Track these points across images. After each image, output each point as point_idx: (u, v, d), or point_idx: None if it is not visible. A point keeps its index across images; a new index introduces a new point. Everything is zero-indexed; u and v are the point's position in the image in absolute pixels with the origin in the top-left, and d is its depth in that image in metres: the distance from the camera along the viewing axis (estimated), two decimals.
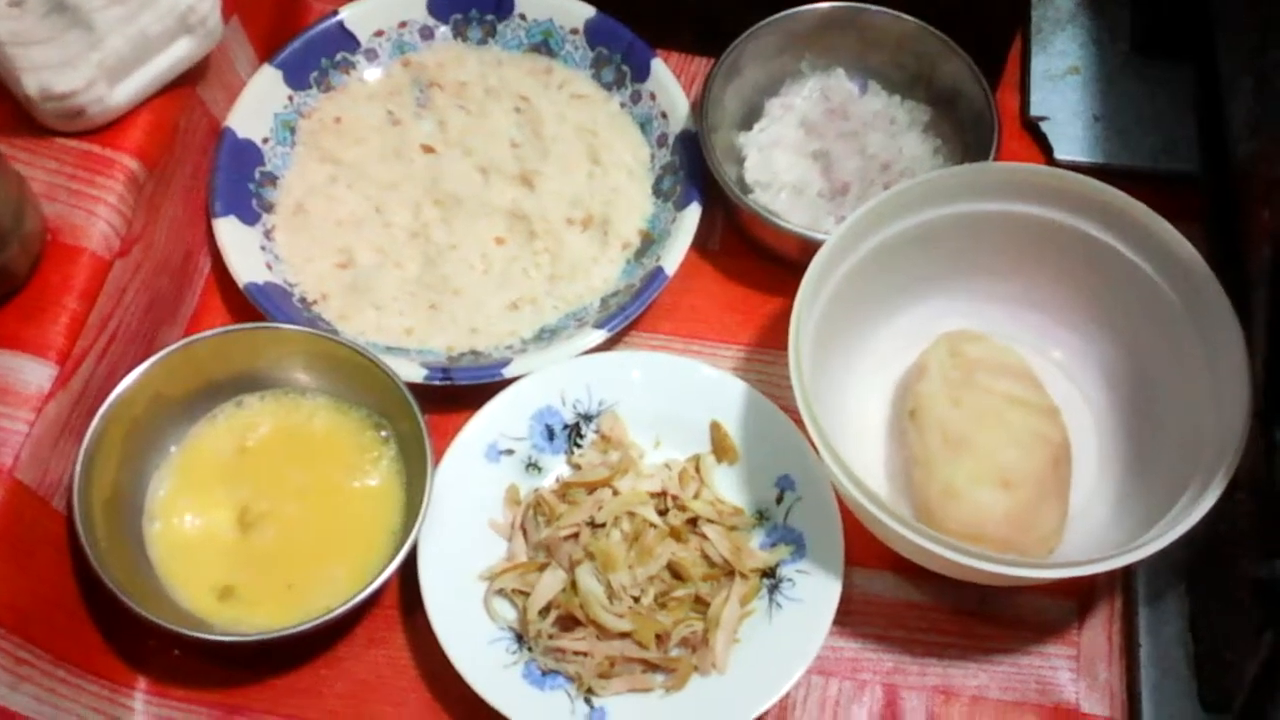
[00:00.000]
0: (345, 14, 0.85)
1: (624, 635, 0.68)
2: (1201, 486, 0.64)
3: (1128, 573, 0.72)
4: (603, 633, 0.68)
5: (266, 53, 0.84)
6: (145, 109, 0.73)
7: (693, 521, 0.71)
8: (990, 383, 0.71)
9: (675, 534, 0.71)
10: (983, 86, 0.79)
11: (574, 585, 0.69)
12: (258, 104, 0.82)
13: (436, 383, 0.74)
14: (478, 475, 0.73)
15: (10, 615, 0.62)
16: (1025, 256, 0.75)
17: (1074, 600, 0.73)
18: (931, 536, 0.63)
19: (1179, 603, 0.71)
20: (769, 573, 0.71)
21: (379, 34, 0.86)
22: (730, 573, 0.70)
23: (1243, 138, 0.70)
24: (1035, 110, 0.86)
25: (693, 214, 0.79)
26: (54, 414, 0.66)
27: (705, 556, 0.71)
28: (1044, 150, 0.85)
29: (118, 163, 0.71)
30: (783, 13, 0.81)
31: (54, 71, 0.69)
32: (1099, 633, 0.72)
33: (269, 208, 0.81)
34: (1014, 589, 0.72)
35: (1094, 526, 0.71)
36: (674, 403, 0.75)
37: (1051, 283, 0.76)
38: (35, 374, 0.65)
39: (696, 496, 0.72)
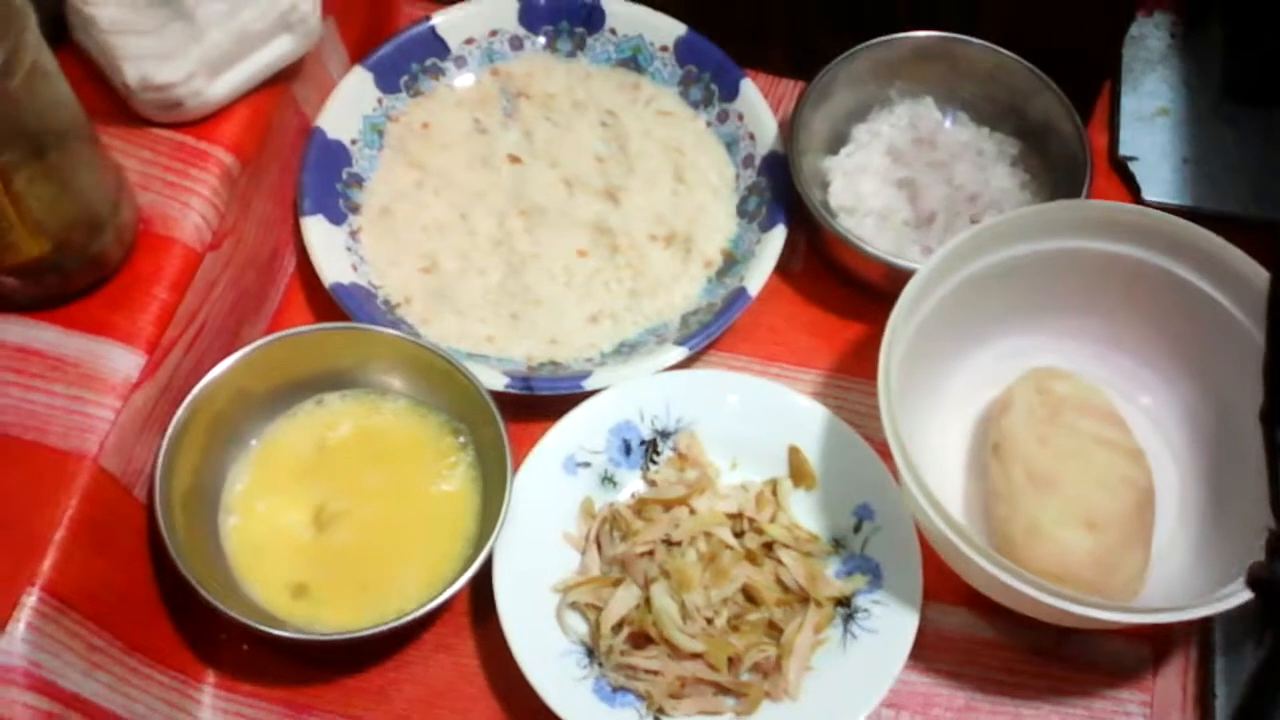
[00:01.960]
0: (438, 20, 0.85)
1: (696, 656, 0.68)
2: None
3: (1205, 622, 0.72)
4: (675, 652, 0.68)
5: (359, 55, 0.84)
6: (241, 104, 0.74)
7: (768, 546, 0.71)
8: (1077, 422, 0.70)
9: (751, 557, 0.70)
10: (1075, 123, 0.79)
11: (648, 603, 0.68)
12: (348, 105, 0.82)
13: (516, 391, 0.73)
14: (554, 486, 0.72)
15: (87, 602, 0.62)
16: (1114, 297, 0.74)
17: (1149, 646, 0.72)
18: (1016, 573, 0.62)
19: (1256, 654, 0.70)
20: (844, 602, 0.70)
21: (469, 42, 0.86)
22: (805, 599, 0.70)
23: None
24: (1124, 150, 0.86)
25: (778, 236, 0.79)
26: (140, 403, 0.66)
27: (780, 582, 0.70)
28: (1131, 191, 0.85)
29: (212, 156, 0.72)
30: (876, 39, 0.81)
31: (155, 62, 0.69)
32: (1174, 681, 0.71)
33: (355, 209, 0.81)
34: (1090, 632, 0.72)
35: (1175, 573, 0.70)
36: (752, 425, 0.75)
37: (1139, 325, 0.75)
38: (124, 362, 0.65)
39: (773, 520, 0.72)
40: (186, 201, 0.70)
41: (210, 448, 0.70)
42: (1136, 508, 0.68)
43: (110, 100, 0.71)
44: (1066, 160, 0.79)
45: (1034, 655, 0.71)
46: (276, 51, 0.74)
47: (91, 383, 0.65)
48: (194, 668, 0.69)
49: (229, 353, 0.70)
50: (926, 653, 0.71)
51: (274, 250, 0.79)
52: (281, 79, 0.76)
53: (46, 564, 0.60)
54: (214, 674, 0.70)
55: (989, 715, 0.70)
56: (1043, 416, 0.70)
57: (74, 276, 0.66)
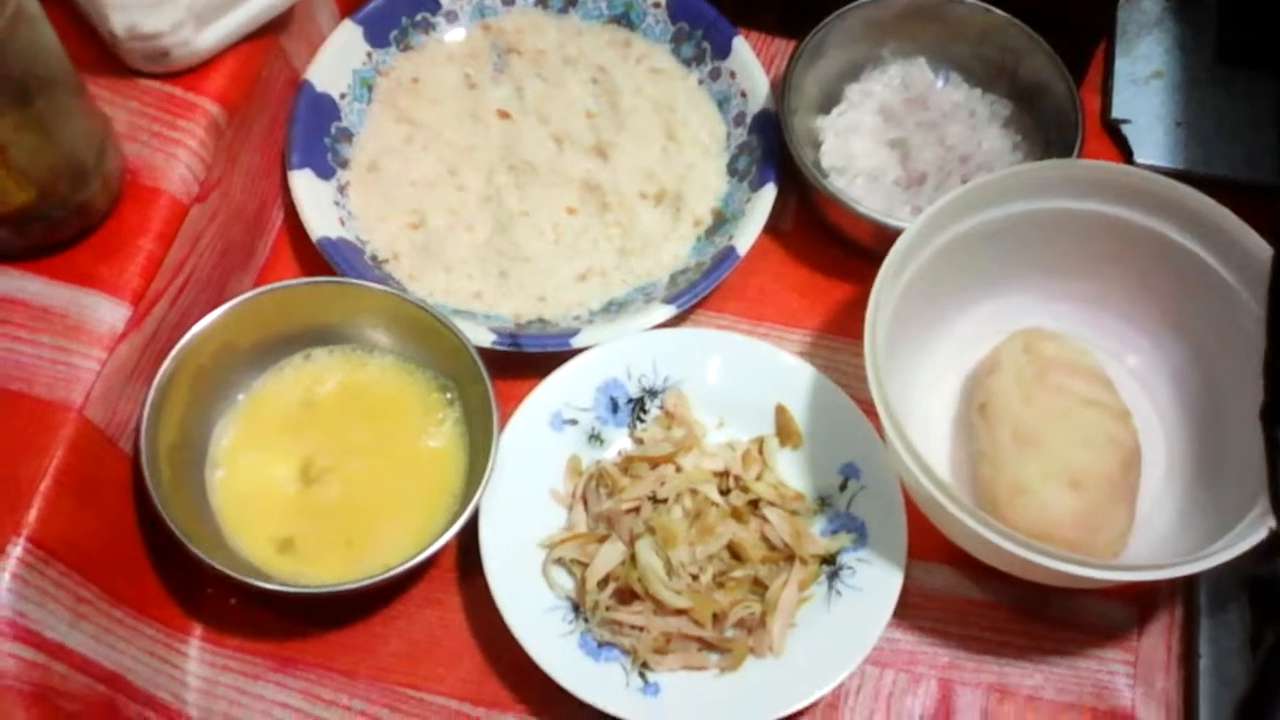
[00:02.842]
0: None
1: (681, 612, 0.68)
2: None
3: (1190, 582, 0.72)
4: (660, 608, 0.68)
5: (349, 8, 0.83)
6: (229, 55, 0.73)
7: (754, 504, 0.71)
8: (1063, 382, 0.70)
9: (736, 514, 0.70)
10: (1068, 84, 0.79)
11: (633, 559, 0.68)
12: (337, 59, 0.81)
13: (504, 348, 0.73)
14: (541, 443, 0.72)
15: (72, 554, 0.62)
16: (1104, 258, 0.74)
17: (1135, 607, 0.72)
18: (1001, 531, 0.62)
19: (1240, 614, 0.71)
20: (829, 560, 0.70)
21: None
22: (790, 557, 0.70)
23: None
24: (1117, 113, 0.85)
25: (768, 195, 0.79)
26: (125, 354, 0.66)
27: (765, 539, 0.70)
28: (1124, 153, 0.84)
29: (200, 107, 0.71)
30: None
31: (143, 11, 0.68)
32: (1158, 641, 0.71)
33: (344, 163, 0.81)
34: (1075, 591, 0.72)
35: (1159, 534, 0.71)
36: (739, 383, 0.75)
37: (1128, 286, 0.75)
38: (110, 313, 0.65)
39: (759, 478, 0.72)
40: (173, 153, 0.70)
41: (196, 401, 0.70)
42: (1122, 467, 0.69)
43: (97, 50, 0.71)
44: (1058, 122, 0.79)
45: (1018, 614, 0.72)
46: (265, 2, 0.73)
47: (77, 334, 0.64)
48: (180, 620, 0.69)
49: (215, 306, 0.70)
50: (911, 611, 0.71)
51: (261, 204, 0.79)
52: (270, 31, 0.76)
53: (31, 515, 0.60)
54: (200, 627, 0.70)
55: (973, 674, 0.70)
56: (1030, 376, 0.70)
57: (60, 226, 0.66)
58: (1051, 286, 0.76)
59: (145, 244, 0.67)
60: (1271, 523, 0.62)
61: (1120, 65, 0.87)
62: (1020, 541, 0.62)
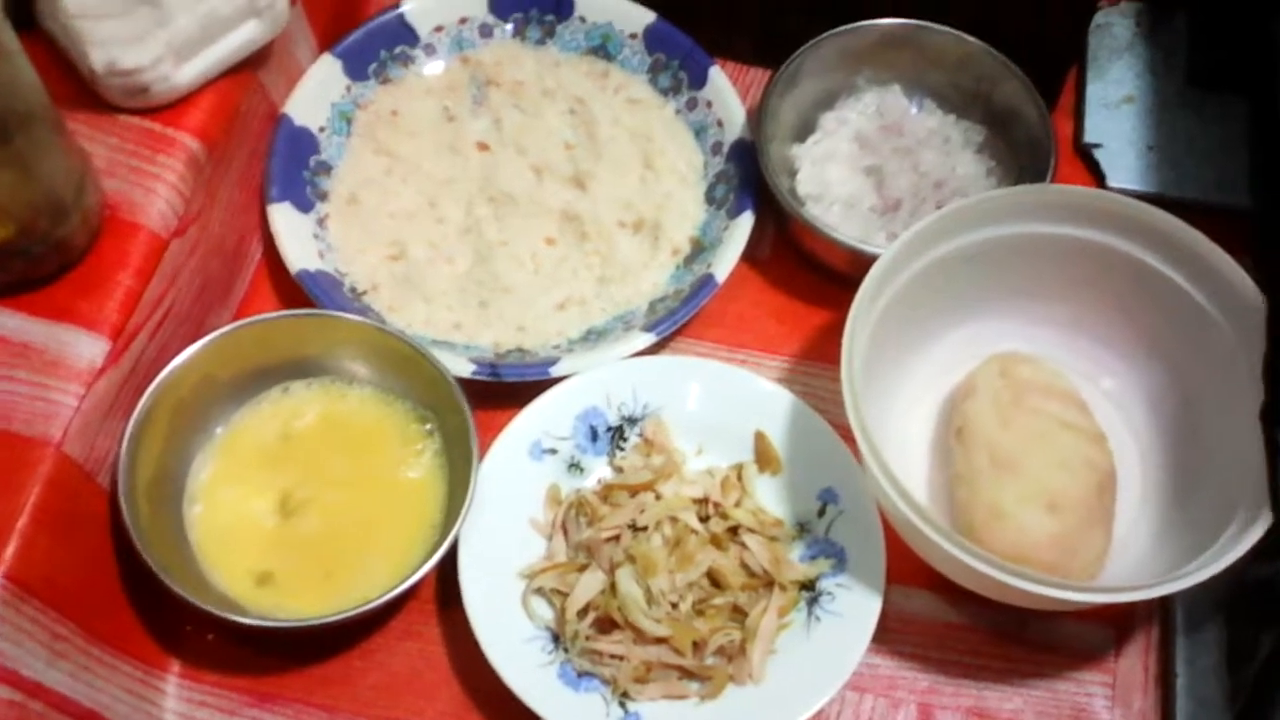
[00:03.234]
0: (407, 7, 0.85)
1: (661, 641, 0.68)
2: (1246, 521, 0.64)
3: (1166, 603, 0.72)
4: (640, 637, 0.68)
5: (327, 42, 0.84)
6: (208, 90, 0.73)
7: (734, 530, 0.71)
8: (1039, 405, 0.70)
9: (716, 542, 0.71)
10: (1040, 110, 0.79)
11: (613, 588, 0.68)
12: (316, 92, 0.82)
13: (484, 378, 0.74)
14: (520, 473, 0.73)
15: (49, 590, 0.62)
16: (1078, 281, 0.75)
17: (1111, 628, 0.72)
18: (978, 554, 0.63)
19: (1217, 634, 0.71)
20: (808, 585, 0.70)
21: (439, 29, 0.86)
22: (769, 583, 0.70)
23: None
24: (1089, 137, 0.86)
25: (745, 223, 0.79)
26: (104, 390, 0.66)
27: (745, 566, 0.70)
28: (1096, 177, 0.85)
29: (179, 142, 0.71)
30: (843, 27, 0.82)
31: (121, 47, 0.69)
32: (1135, 662, 0.71)
33: (323, 196, 0.81)
34: (1052, 614, 0.72)
35: (1136, 555, 0.71)
36: (718, 410, 0.75)
37: (1103, 309, 0.75)
38: (88, 348, 0.65)
39: (738, 505, 0.72)
40: (152, 188, 0.70)
41: (175, 435, 0.70)
42: (1098, 490, 0.69)
43: (76, 86, 0.71)
44: (1032, 147, 0.80)
45: (997, 637, 0.72)
46: (244, 37, 0.74)
47: (55, 369, 0.64)
48: (158, 657, 0.69)
49: (194, 340, 0.70)
50: (890, 636, 0.71)
51: (240, 237, 0.79)
52: (249, 65, 0.76)
53: (8, 551, 0.60)
54: (179, 663, 0.69)
55: (952, 698, 0.70)
56: (1006, 400, 0.70)
57: (39, 262, 0.66)
58: (1027, 310, 0.77)
59: (124, 279, 0.68)
60: (1256, 535, 0.62)
61: (1092, 90, 0.88)
62: (997, 565, 0.62)
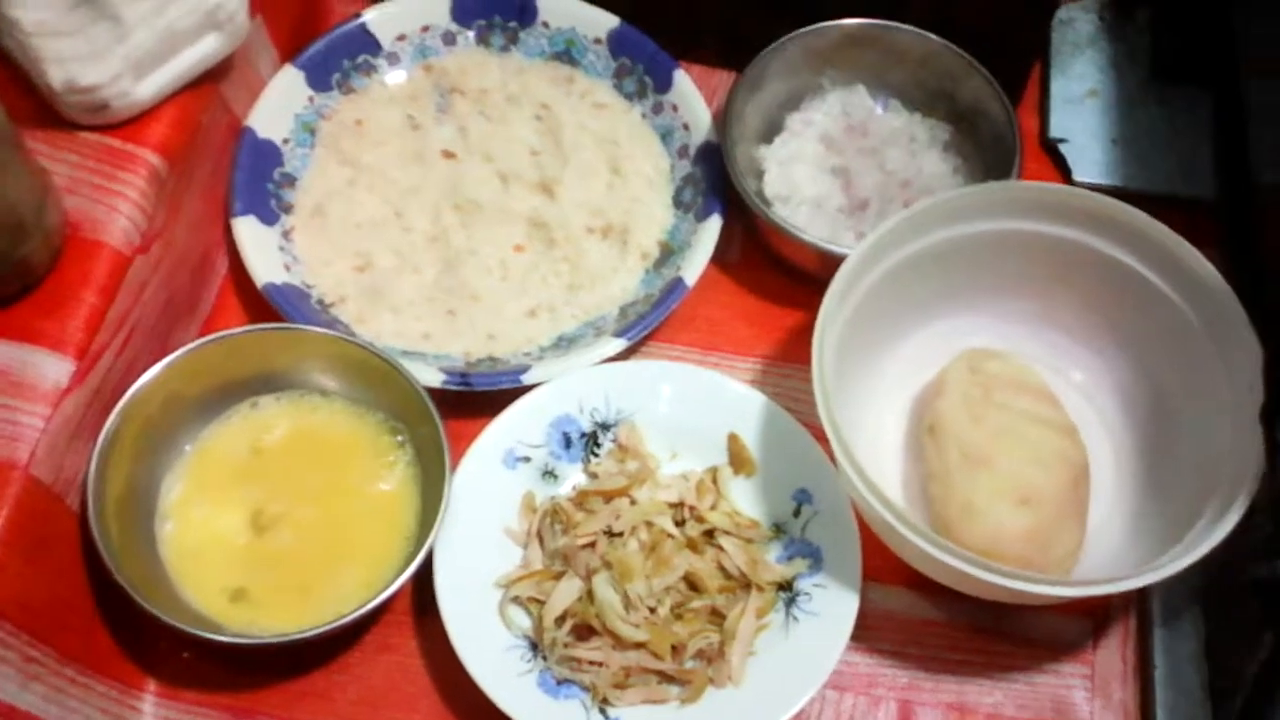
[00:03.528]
0: (368, 16, 0.85)
1: (639, 646, 0.68)
2: (1220, 510, 0.64)
3: (1143, 593, 0.72)
4: (618, 643, 0.68)
5: (289, 53, 0.83)
6: (168, 105, 0.73)
7: (709, 533, 0.71)
8: (1010, 400, 0.71)
9: (692, 545, 0.70)
10: (1005, 106, 0.80)
11: (590, 594, 0.68)
12: (279, 104, 0.81)
13: (454, 388, 0.73)
14: (494, 482, 0.72)
15: (21, 613, 0.62)
16: (1046, 276, 0.75)
17: (1089, 620, 0.72)
18: (952, 551, 0.63)
19: (1194, 624, 0.71)
20: (785, 586, 0.70)
21: (401, 38, 0.86)
22: (746, 585, 0.70)
23: (1266, 164, 0.70)
24: (1054, 132, 0.86)
25: (713, 226, 0.79)
26: (70, 410, 0.65)
27: (722, 569, 0.70)
28: (1062, 172, 0.86)
29: (140, 158, 0.71)
30: (807, 28, 0.82)
31: (80, 64, 0.68)
32: (1114, 653, 0.72)
33: (288, 209, 0.81)
34: (1030, 608, 0.72)
35: (1110, 547, 0.71)
36: (692, 414, 0.75)
37: (1071, 303, 0.76)
38: (53, 369, 0.65)
39: (713, 508, 0.72)
40: (114, 205, 0.69)
41: (143, 454, 0.69)
42: (1071, 483, 0.69)
43: (35, 103, 0.70)
44: (997, 144, 0.80)
45: (975, 632, 0.72)
46: (204, 50, 0.73)
47: (20, 391, 0.64)
48: (134, 676, 0.68)
49: (161, 357, 0.69)
50: (869, 634, 0.71)
51: (205, 252, 0.78)
52: (210, 79, 0.76)
53: None
54: (154, 682, 0.69)
55: (931, 694, 0.71)
56: (976, 396, 0.71)
57: (0, 283, 0.65)
58: (996, 306, 0.77)
59: (88, 298, 0.67)
60: (1230, 524, 0.62)
61: (1056, 85, 0.88)
62: (972, 561, 0.62)
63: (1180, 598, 0.72)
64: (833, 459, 0.68)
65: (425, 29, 0.86)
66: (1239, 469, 0.64)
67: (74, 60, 0.68)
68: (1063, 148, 0.86)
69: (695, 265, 0.78)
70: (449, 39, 0.87)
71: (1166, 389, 0.73)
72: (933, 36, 0.82)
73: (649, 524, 0.70)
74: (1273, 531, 0.60)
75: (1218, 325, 0.69)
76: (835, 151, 0.82)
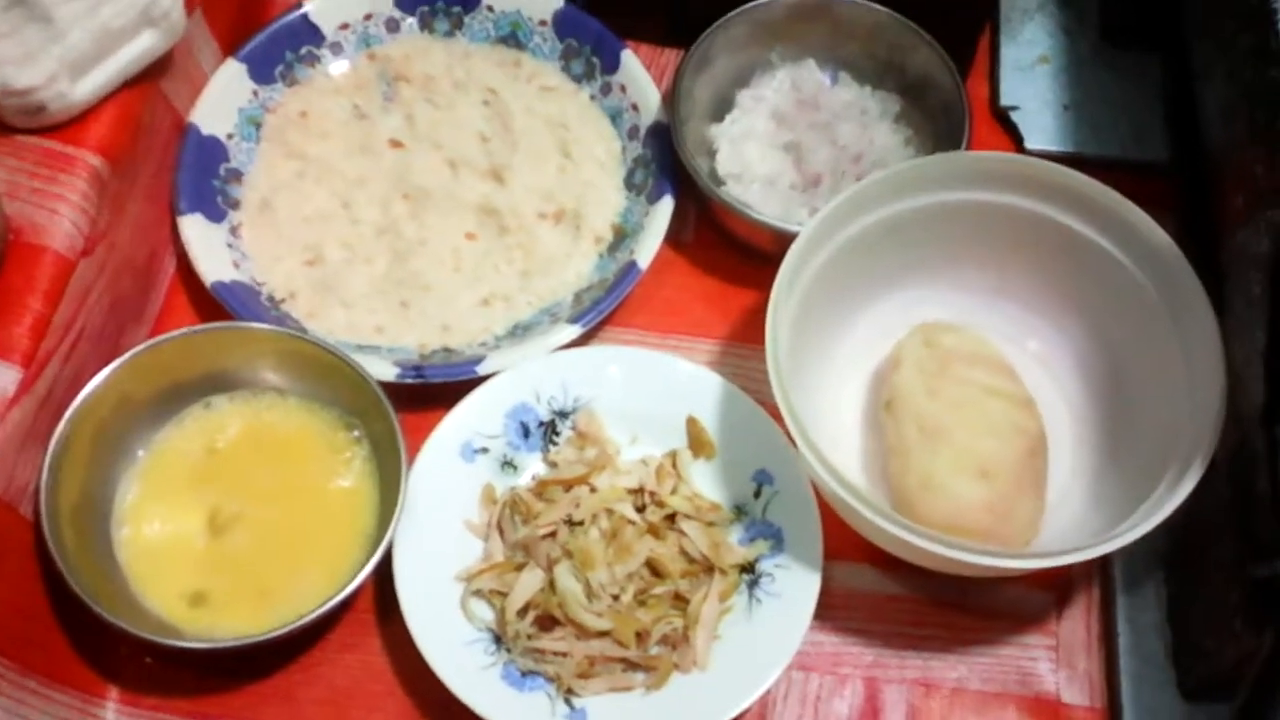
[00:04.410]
0: (310, 7, 0.83)
1: (603, 634, 0.67)
2: (1178, 475, 0.64)
3: (1105, 562, 0.73)
4: (582, 632, 0.67)
5: (230, 47, 0.82)
6: (108, 104, 0.72)
7: (671, 518, 0.71)
8: (966, 373, 0.70)
9: (654, 531, 0.70)
10: (953, 76, 0.79)
11: (552, 585, 0.68)
12: (222, 99, 0.80)
13: (409, 381, 0.73)
14: (452, 475, 0.72)
15: None
16: (1000, 246, 0.75)
17: (1052, 591, 0.73)
18: (909, 528, 0.63)
19: (1156, 592, 0.72)
20: (748, 568, 0.70)
21: (344, 27, 0.85)
22: (709, 569, 0.70)
23: (1216, 125, 0.70)
24: (1005, 100, 0.86)
25: (665, 207, 0.79)
26: (19, 418, 0.64)
27: (684, 553, 0.70)
28: (1015, 140, 0.85)
29: (80, 160, 0.70)
30: (752, 3, 0.81)
31: (14, 66, 0.67)
32: (1078, 623, 0.72)
33: (235, 205, 0.80)
34: (993, 580, 0.72)
35: (1071, 517, 0.71)
36: (650, 398, 0.74)
37: (1026, 273, 0.75)
38: (0, 377, 0.64)
39: (674, 492, 0.72)
40: (55, 208, 0.68)
41: (97, 459, 0.68)
42: (1028, 454, 0.69)
43: None
44: (947, 114, 0.79)
45: (938, 607, 0.72)
46: (141, 47, 0.72)
47: None
48: (95, 684, 0.68)
49: (110, 360, 0.69)
50: (833, 612, 0.71)
51: (152, 252, 0.77)
52: (149, 76, 0.75)
53: None
54: (116, 689, 0.68)
55: (897, 670, 0.71)
56: (932, 370, 0.70)
57: None
58: (951, 278, 0.77)
59: (33, 304, 0.66)
60: (1187, 488, 0.62)
61: (1006, 52, 0.88)
62: (929, 535, 0.62)
63: (1142, 566, 0.72)
64: (792, 440, 0.68)
65: (368, 17, 0.85)
66: (1196, 435, 0.64)
67: (7, 63, 0.67)
68: (1014, 115, 0.85)
69: (648, 248, 0.77)
70: (392, 26, 0.86)
71: (1123, 357, 0.73)
72: (880, 7, 0.81)
73: (609, 511, 0.70)
74: (1273, 530, 0.60)
75: (1171, 291, 0.69)
76: (787, 127, 0.81)
